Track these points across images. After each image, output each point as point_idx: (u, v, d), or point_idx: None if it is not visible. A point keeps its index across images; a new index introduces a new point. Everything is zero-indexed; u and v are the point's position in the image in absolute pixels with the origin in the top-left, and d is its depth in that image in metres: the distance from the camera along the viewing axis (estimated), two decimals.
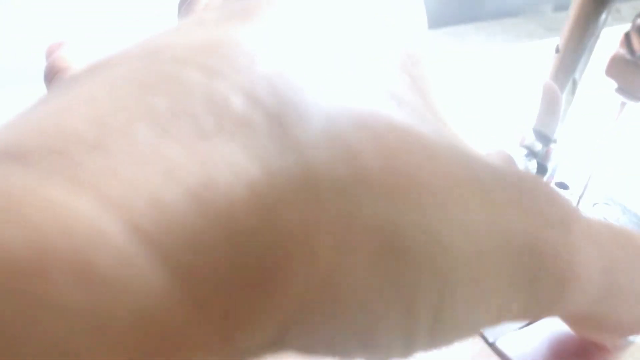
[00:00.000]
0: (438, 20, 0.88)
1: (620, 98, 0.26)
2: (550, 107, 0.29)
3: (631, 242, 0.13)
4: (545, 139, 0.30)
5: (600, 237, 0.12)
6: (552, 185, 0.36)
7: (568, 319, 0.15)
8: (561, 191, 0.35)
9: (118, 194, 0.08)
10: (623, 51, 0.24)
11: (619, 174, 0.39)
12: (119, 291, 0.07)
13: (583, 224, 0.12)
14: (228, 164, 0.08)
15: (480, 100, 0.45)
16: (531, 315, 0.12)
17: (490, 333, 0.26)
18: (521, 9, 0.76)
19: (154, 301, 0.07)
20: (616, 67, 0.25)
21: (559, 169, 0.31)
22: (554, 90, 0.28)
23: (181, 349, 0.08)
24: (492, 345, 0.26)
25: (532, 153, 0.30)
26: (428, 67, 0.13)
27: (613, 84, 0.26)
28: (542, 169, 0.30)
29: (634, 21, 0.24)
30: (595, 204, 0.35)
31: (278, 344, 0.09)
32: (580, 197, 0.31)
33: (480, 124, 0.41)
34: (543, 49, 0.27)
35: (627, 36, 0.24)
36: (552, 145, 0.30)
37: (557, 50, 0.27)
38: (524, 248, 0.11)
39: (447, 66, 0.50)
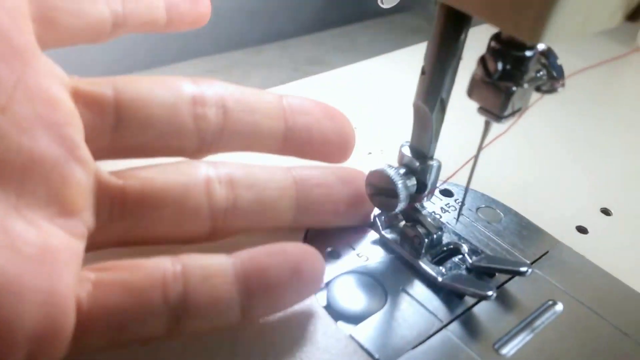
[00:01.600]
0: (325, 21, 0.88)
1: (485, 117, 0.27)
2: (422, 126, 0.29)
3: None
4: (421, 156, 0.30)
5: None
6: (438, 192, 0.37)
7: None
8: (447, 198, 0.37)
9: None
10: (480, 73, 0.25)
11: (498, 180, 0.41)
12: None
13: None
14: None
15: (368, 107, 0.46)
16: None
17: (384, 357, 0.27)
18: (407, 4, 0.78)
19: None
20: (476, 89, 0.26)
21: (440, 182, 0.32)
22: (424, 111, 0.29)
23: None
24: None
25: (411, 171, 0.31)
26: None
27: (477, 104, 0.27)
28: (421, 186, 0.31)
29: (488, 44, 0.25)
30: (479, 207, 0.37)
31: None
32: (462, 203, 0.32)
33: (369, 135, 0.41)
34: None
35: (483, 59, 0.25)
36: (429, 162, 0.30)
37: (423, 72, 0.28)
38: None
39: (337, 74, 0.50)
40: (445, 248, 0.32)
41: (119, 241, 0.27)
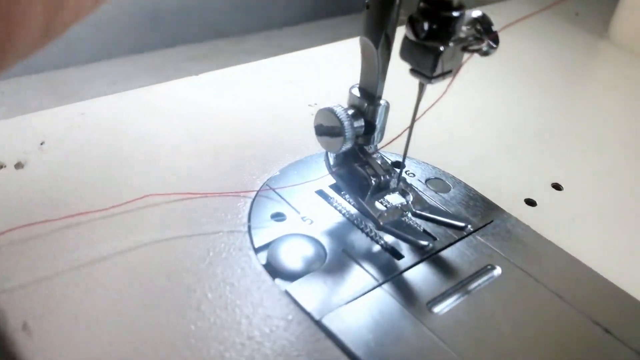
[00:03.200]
0: (312, 13, 0.89)
1: (417, 79, 0.27)
2: (369, 64, 0.30)
3: None
4: (369, 96, 0.31)
5: None
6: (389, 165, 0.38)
7: None
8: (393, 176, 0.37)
9: None
10: (410, 34, 0.26)
11: (450, 154, 0.41)
12: None
13: None
14: None
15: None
16: None
17: (316, 311, 0.27)
18: None
19: None
20: (407, 50, 0.27)
21: (382, 146, 0.33)
22: (369, 46, 0.29)
23: None
24: (317, 323, 0.27)
25: (359, 112, 0.31)
26: None
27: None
28: (369, 127, 0.31)
29: (417, 4, 0.26)
30: (428, 179, 0.37)
31: None
32: (400, 170, 0.32)
33: None
34: None
35: (411, 19, 0.26)
36: (377, 102, 0.31)
37: (367, 6, 0.28)
38: None
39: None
40: (391, 193, 0.33)
41: None
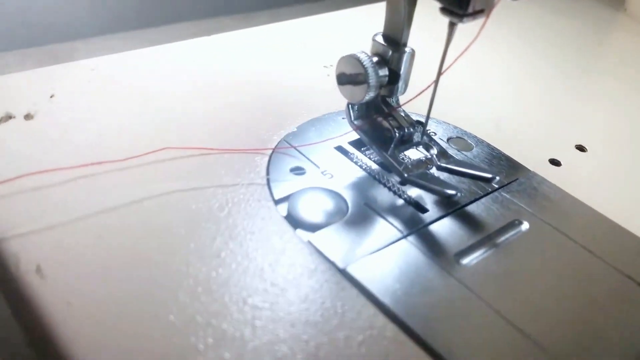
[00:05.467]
0: None
1: (447, 18, 0.26)
2: (394, 9, 0.29)
3: None
4: (394, 43, 0.29)
5: None
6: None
7: None
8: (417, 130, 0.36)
9: None
10: None
11: (474, 114, 0.40)
12: None
13: None
14: None
15: None
16: None
17: (340, 260, 0.26)
18: None
19: None
20: None
21: (406, 101, 0.31)
22: None
23: None
24: (342, 272, 0.26)
25: (383, 60, 0.30)
26: None
27: (439, 4, 0.26)
28: (394, 76, 0.30)
29: None
30: (450, 138, 0.36)
31: None
32: (425, 127, 0.31)
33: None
34: None
35: None
36: (402, 49, 0.29)
37: None
38: None
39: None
40: (415, 147, 0.32)
41: None
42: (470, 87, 0.43)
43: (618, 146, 0.39)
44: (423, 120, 0.36)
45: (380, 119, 0.31)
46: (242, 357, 0.22)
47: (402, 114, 0.31)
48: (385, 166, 0.32)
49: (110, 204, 0.27)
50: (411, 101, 0.33)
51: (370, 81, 0.29)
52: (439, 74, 0.29)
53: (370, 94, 0.30)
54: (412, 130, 0.31)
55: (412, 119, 0.32)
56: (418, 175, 0.30)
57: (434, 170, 0.31)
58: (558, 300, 0.26)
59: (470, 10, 0.25)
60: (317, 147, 0.33)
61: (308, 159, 0.32)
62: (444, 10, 0.26)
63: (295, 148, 0.33)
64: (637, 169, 0.37)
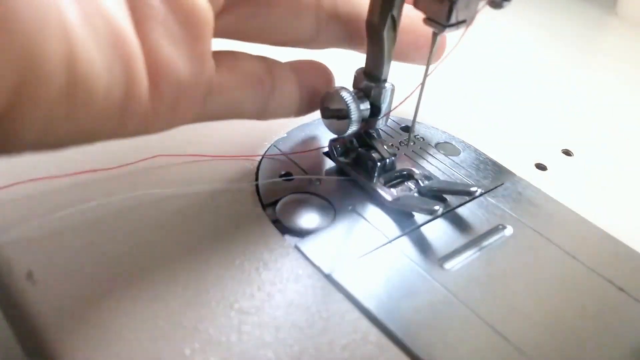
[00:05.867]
0: None
1: (430, 28, 0.27)
2: (375, 46, 0.30)
3: None
4: (375, 79, 0.31)
5: None
6: (399, 128, 0.37)
7: None
8: (404, 133, 0.37)
9: None
10: None
11: (461, 119, 0.41)
12: None
13: None
14: None
15: None
16: None
17: (326, 265, 0.27)
18: None
19: None
20: None
21: (393, 107, 0.32)
22: (376, 28, 0.29)
23: None
24: (328, 277, 0.26)
25: (365, 94, 0.31)
26: None
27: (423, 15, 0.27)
28: (375, 110, 0.31)
29: None
30: (437, 143, 0.37)
31: None
32: (410, 133, 0.32)
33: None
34: None
35: None
36: (382, 85, 0.30)
37: None
38: None
39: None
40: (398, 173, 0.33)
41: (228, 31, 0.28)
42: (459, 91, 0.44)
43: (605, 150, 0.40)
44: (407, 125, 0.37)
45: (363, 151, 0.32)
46: None
47: (383, 145, 0.32)
48: (372, 195, 0.32)
49: (103, 212, 0.28)
50: (401, 105, 0.33)
51: (352, 116, 0.30)
52: (424, 82, 0.29)
53: (353, 128, 0.30)
54: (393, 158, 0.32)
55: (392, 150, 0.33)
56: (402, 199, 0.30)
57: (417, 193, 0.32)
58: (540, 305, 0.27)
59: (452, 21, 0.26)
60: (306, 153, 0.34)
61: (297, 164, 0.33)
62: (428, 20, 0.26)
63: (285, 154, 0.33)
64: (622, 173, 0.38)
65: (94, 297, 0.24)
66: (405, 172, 0.33)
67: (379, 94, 0.31)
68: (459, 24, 0.26)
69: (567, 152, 0.39)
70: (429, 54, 0.28)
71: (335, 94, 0.30)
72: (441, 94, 0.42)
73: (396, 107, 0.33)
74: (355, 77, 0.31)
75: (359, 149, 0.32)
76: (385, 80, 0.31)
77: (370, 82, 0.31)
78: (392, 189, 0.31)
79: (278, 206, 0.30)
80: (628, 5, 0.60)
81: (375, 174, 0.31)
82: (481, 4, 0.27)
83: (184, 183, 0.30)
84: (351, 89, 0.31)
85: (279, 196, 0.30)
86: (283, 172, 0.32)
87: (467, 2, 0.26)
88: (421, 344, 0.24)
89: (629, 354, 0.25)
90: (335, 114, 0.31)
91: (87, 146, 0.32)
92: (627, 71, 0.52)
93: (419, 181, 0.32)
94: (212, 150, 0.33)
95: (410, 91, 0.34)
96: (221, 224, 0.28)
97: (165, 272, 0.26)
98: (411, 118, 0.31)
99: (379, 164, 0.31)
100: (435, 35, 0.27)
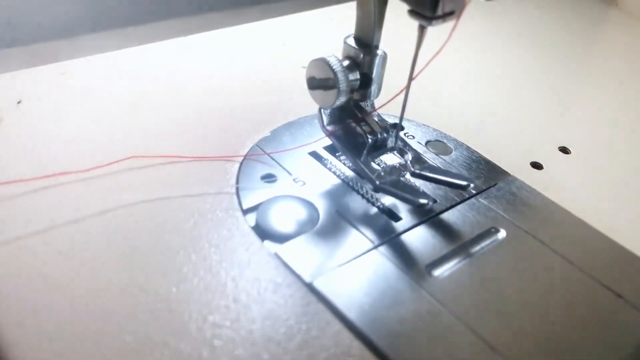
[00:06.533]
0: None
1: (416, 21, 0.25)
2: (365, 10, 0.28)
3: None
4: (365, 46, 0.28)
5: None
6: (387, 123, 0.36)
7: None
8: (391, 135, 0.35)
9: None
10: None
11: (454, 116, 0.39)
12: None
13: None
14: None
15: None
16: None
17: (307, 274, 0.25)
18: None
19: None
20: None
21: (384, 103, 0.31)
22: None
23: None
24: (308, 286, 0.25)
25: (355, 64, 0.29)
26: None
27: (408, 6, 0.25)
28: (366, 80, 0.29)
29: None
30: (428, 141, 0.35)
31: None
32: (398, 131, 0.30)
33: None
34: None
35: None
36: (374, 52, 0.28)
37: None
38: None
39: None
40: (388, 153, 0.31)
41: None
42: (452, 88, 0.42)
43: (602, 148, 0.38)
44: (407, 123, 0.35)
45: (353, 124, 0.30)
46: None
47: (376, 118, 0.30)
48: (359, 173, 0.31)
49: (72, 217, 0.27)
50: (388, 104, 0.32)
51: (341, 86, 0.28)
52: (410, 78, 0.28)
53: (341, 99, 0.29)
54: (385, 135, 0.30)
55: (386, 123, 0.31)
56: (391, 182, 0.29)
57: (408, 177, 0.30)
58: (534, 315, 0.26)
59: (439, 12, 0.24)
60: (290, 153, 0.32)
61: (281, 165, 0.31)
62: (412, 12, 0.25)
63: (267, 154, 0.32)
64: (619, 172, 0.36)
65: (58, 312, 0.23)
66: (395, 152, 0.30)
67: (371, 62, 0.29)
68: (446, 15, 0.25)
69: (564, 150, 0.37)
70: (416, 49, 0.26)
71: (322, 61, 0.28)
72: (433, 91, 0.40)
73: (384, 104, 0.31)
74: (344, 44, 0.29)
75: (349, 121, 0.30)
76: (376, 47, 0.29)
77: (360, 49, 0.29)
78: (381, 169, 0.29)
79: (258, 210, 0.28)
80: None
81: (365, 151, 0.29)
82: None
83: (160, 187, 0.29)
84: (340, 57, 0.29)
85: (260, 200, 0.29)
86: (265, 174, 0.31)
87: None
88: (406, 358, 0.23)
89: None
90: (322, 84, 0.29)
91: (59, 146, 0.30)
92: (628, 65, 0.50)
93: (409, 163, 0.30)
94: (191, 151, 0.31)
95: (398, 88, 0.32)
96: (197, 231, 0.27)
97: (136, 282, 0.24)
98: (400, 115, 0.29)
99: (370, 139, 0.29)
100: (422, 28, 0.26)
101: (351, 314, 0.24)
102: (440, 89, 0.41)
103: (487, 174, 0.33)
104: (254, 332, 0.23)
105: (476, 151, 0.35)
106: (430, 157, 0.34)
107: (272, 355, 0.22)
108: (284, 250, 0.26)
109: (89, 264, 0.25)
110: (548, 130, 0.39)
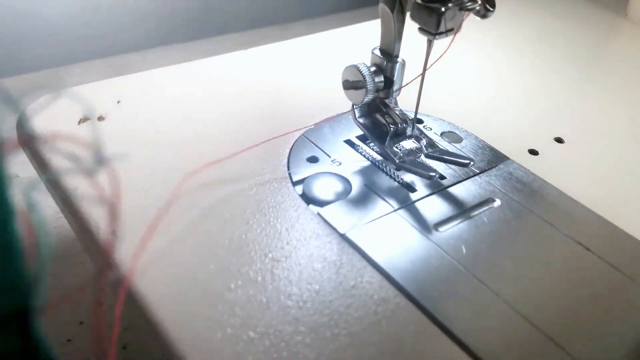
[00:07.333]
0: (353, 2, 0.95)
1: (424, 36, 0.33)
2: (386, 27, 0.36)
3: None
4: (388, 55, 0.37)
5: None
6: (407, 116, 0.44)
7: None
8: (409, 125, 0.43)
9: None
10: None
11: (465, 111, 0.47)
12: None
13: None
14: None
15: None
16: None
17: (342, 227, 0.33)
18: None
19: None
20: (415, 11, 0.33)
21: (403, 84, 0.39)
22: (386, 11, 0.35)
23: None
24: (343, 237, 0.33)
25: (380, 69, 0.37)
26: None
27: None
28: (388, 82, 0.37)
29: None
30: (443, 132, 0.43)
31: None
32: (414, 122, 0.38)
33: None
34: None
35: None
36: (394, 60, 0.37)
37: None
38: None
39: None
40: (407, 139, 0.39)
41: None
42: (464, 86, 0.50)
43: (594, 141, 0.45)
44: (418, 116, 0.43)
45: (379, 117, 0.38)
46: (263, 294, 0.29)
47: (398, 112, 0.38)
48: (383, 155, 0.39)
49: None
50: (406, 100, 0.40)
51: (368, 87, 0.36)
52: (422, 80, 0.36)
53: (369, 97, 0.37)
54: (404, 125, 0.38)
55: (405, 116, 0.39)
56: (409, 162, 0.37)
57: (423, 158, 0.38)
58: (517, 262, 0.33)
59: (441, 29, 0.32)
60: (329, 140, 0.41)
61: (322, 150, 0.40)
62: (421, 29, 0.33)
63: (311, 142, 0.40)
64: (607, 158, 0.43)
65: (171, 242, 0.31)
66: (413, 139, 0.39)
67: (392, 68, 0.37)
68: (447, 32, 0.33)
69: (559, 140, 0.44)
70: (426, 56, 0.34)
71: (354, 67, 0.37)
72: (446, 90, 0.48)
73: (404, 85, 0.39)
74: (371, 54, 0.38)
75: (376, 114, 0.39)
76: (397, 57, 0.37)
77: (383, 58, 0.37)
78: (400, 151, 0.37)
79: (304, 183, 0.37)
80: (639, 7, 0.65)
81: (388, 137, 0.38)
82: (466, 14, 0.33)
83: (234, 165, 0.38)
84: (369, 64, 0.38)
85: (306, 175, 0.37)
86: (309, 156, 0.39)
87: (454, 13, 0.32)
88: (413, 285, 0.30)
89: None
90: (353, 85, 0.37)
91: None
92: (635, 70, 0.57)
93: (424, 147, 0.38)
94: (255, 140, 0.40)
95: (424, 88, 0.40)
96: (259, 196, 0.35)
97: (216, 230, 0.33)
98: (421, 111, 0.37)
99: (392, 128, 0.38)
100: (430, 42, 0.34)
101: (376, 257, 0.32)
102: (453, 87, 0.49)
103: (490, 158, 0.41)
104: (301, 265, 0.31)
105: (483, 140, 0.42)
106: (444, 144, 0.41)
107: (314, 280, 0.30)
108: (324, 211, 0.35)
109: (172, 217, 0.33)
110: (546, 124, 0.46)
